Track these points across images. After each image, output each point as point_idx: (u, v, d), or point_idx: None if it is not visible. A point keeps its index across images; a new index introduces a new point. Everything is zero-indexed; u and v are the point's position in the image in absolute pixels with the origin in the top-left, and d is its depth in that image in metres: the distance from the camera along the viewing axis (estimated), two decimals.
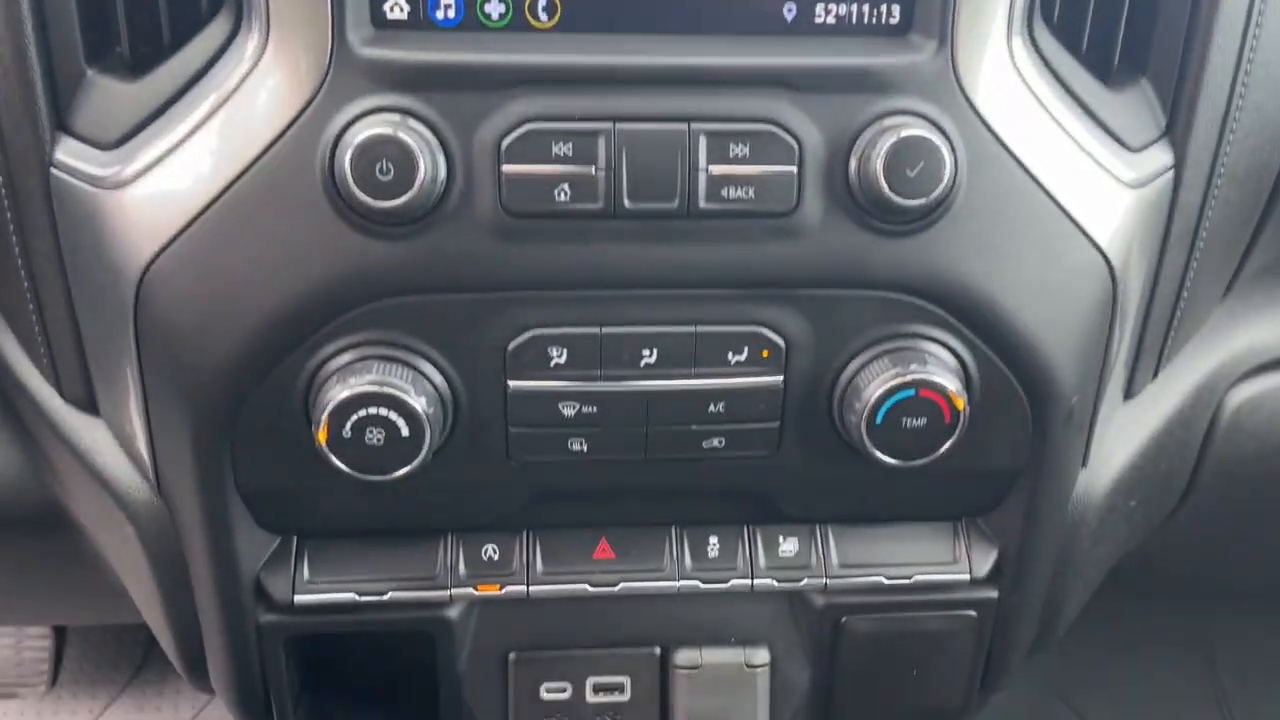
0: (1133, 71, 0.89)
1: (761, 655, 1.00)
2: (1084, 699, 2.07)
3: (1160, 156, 0.89)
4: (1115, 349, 0.91)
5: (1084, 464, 0.97)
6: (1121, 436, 0.99)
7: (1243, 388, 1.04)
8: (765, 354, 0.84)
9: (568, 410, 0.84)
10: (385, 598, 0.93)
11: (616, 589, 0.96)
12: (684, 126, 0.77)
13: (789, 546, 0.97)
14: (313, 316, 0.79)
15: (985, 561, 0.99)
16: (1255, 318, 1.04)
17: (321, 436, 0.79)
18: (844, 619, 0.99)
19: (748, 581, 0.97)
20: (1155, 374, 0.99)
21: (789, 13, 0.79)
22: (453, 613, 0.96)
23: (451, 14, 0.77)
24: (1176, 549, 1.19)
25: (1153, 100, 0.89)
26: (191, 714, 2.00)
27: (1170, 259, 0.92)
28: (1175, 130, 0.88)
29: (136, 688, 2.03)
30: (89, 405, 0.91)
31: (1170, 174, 0.89)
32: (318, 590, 0.93)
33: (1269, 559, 1.33)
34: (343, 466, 0.80)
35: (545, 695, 1.00)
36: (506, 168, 0.76)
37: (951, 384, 0.82)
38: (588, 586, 0.96)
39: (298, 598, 0.93)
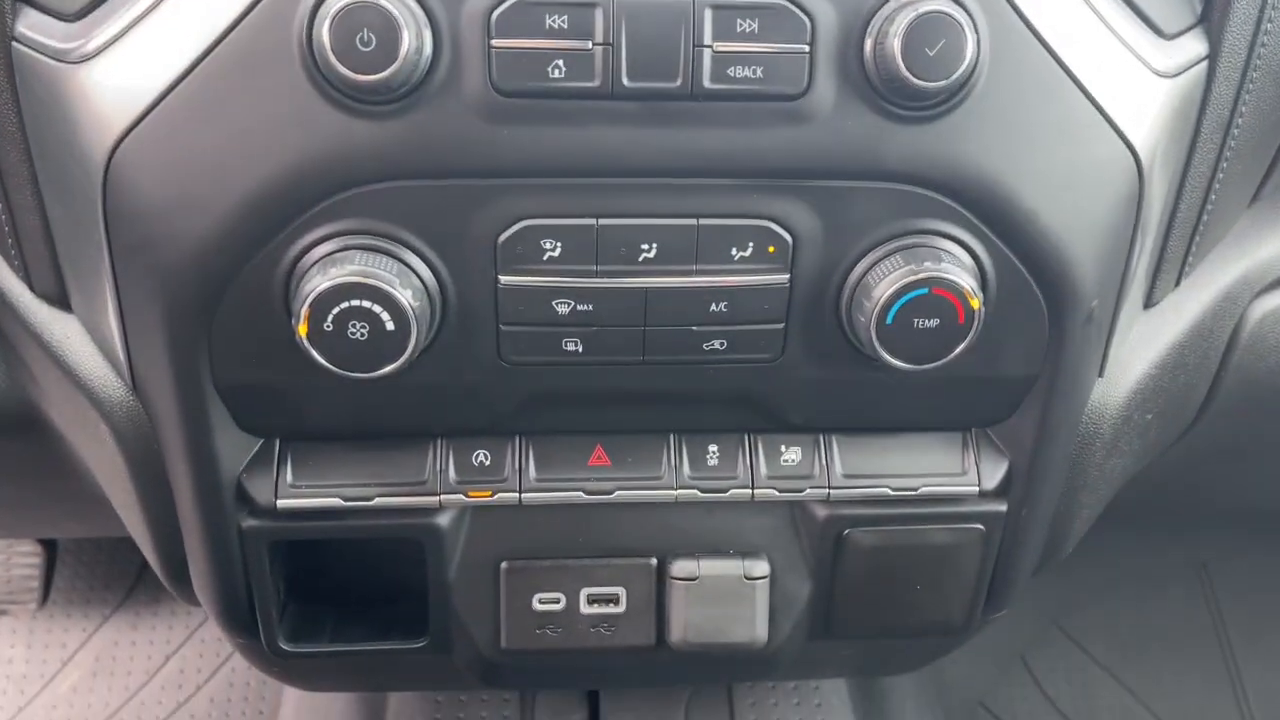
0: None
1: (761, 567, 0.97)
2: (1079, 625, 2.07)
3: (1194, 46, 0.84)
4: (1138, 252, 0.87)
5: (1100, 373, 0.93)
6: (1140, 346, 0.95)
7: (1266, 299, 1.00)
8: (771, 250, 0.80)
9: (562, 308, 0.80)
10: (372, 503, 0.90)
11: (612, 497, 0.92)
12: None
13: (791, 455, 0.94)
14: (290, 201, 0.75)
15: (995, 474, 0.95)
16: None
17: (302, 330, 0.75)
18: (847, 531, 0.96)
19: (748, 491, 0.93)
20: (1177, 282, 0.95)
21: None
22: (442, 520, 0.93)
23: None
24: (1189, 467, 1.16)
25: None
26: (186, 634, 2.00)
27: (1199, 158, 0.88)
28: (1211, 17, 0.83)
29: (130, 607, 2.02)
30: (61, 300, 0.88)
31: (1204, 65, 0.84)
32: (301, 495, 0.90)
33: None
34: (324, 363, 0.77)
35: (538, 606, 0.97)
36: (496, 41, 0.71)
37: (967, 283, 0.78)
38: (582, 494, 0.92)
39: (280, 502, 0.90)
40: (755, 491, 0.94)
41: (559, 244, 0.78)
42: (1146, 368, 0.96)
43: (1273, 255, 0.99)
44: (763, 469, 0.94)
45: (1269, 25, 0.84)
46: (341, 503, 0.90)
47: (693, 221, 0.79)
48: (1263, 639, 2.06)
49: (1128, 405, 0.96)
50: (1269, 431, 1.14)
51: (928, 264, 0.78)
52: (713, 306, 0.81)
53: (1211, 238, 0.95)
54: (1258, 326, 1.00)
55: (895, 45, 0.71)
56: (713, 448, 0.94)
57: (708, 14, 0.72)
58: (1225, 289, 0.97)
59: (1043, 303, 0.84)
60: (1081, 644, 2.05)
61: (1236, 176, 0.91)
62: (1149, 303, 0.95)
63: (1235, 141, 0.88)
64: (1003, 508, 0.96)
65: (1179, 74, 0.83)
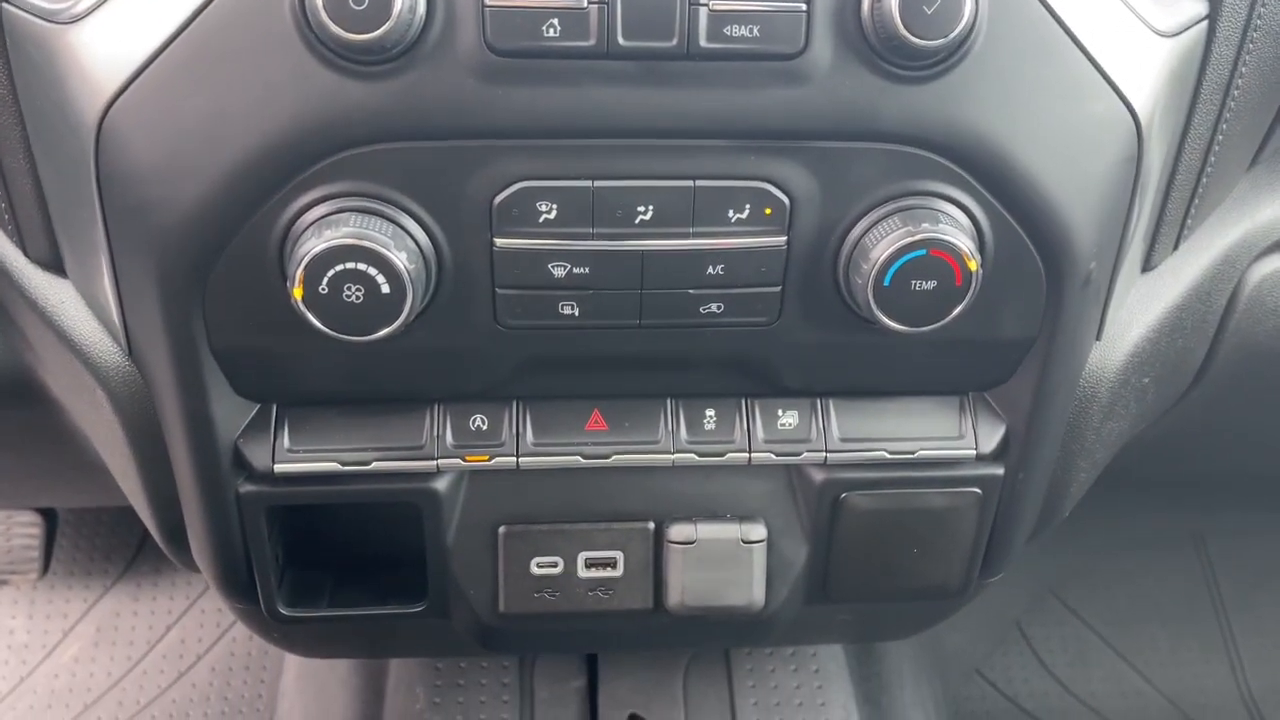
0: None
1: (758, 531, 0.97)
2: (1076, 594, 2.08)
3: (1194, 5, 0.83)
4: (1136, 214, 0.86)
5: (1098, 337, 0.93)
6: (1138, 309, 0.95)
7: (1265, 262, 1.00)
8: (768, 212, 0.79)
9: (558, 271, 0.80)
10: (369, 468, 0.90)
11: (609, 461, 0.93)
12: None
13: (788, 419, 0.94)
14: (284, 163, 0.74)
15: (992, 437, 0.95)
16: None
17: (297, 293, 0.75)
18: (844, 495, 0.96)
19: (745, 454, 0.93)
20: (1176, 245, 0.95)
21: None
22: (440, 484, 0.93)
23: None
24: (1186, 431, 1.16)
25: None
26: (187, 603, 2.01)
27: (1199, 119, 0.87)
28: None
29: (131, 577, 2.03)
30: (55, 265, 0.87)
31: (1204, 24, 0.83)
32: (299, 459, 0.90)
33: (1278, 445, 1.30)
34: (320, 326, 0.76)
35: (536, 570, 0.98)
36: (490, 0, 0.70)
37: (964, 244, 0.78)
38: (579, 458, 0.92)
39: (278, 466, 0.90)
40: (752, 455, 0.94)
41: (555, 206, 0.78)
42: (1144, 331, 0.96)
43: (1272, 218, 0.99)
44: (760, 433, 0.94)
45: None
46: (339, 467, 0.90)
47: (689, 183, 0.78)
48: (1258, 607, 2.07)
49: (1125, 369, 0.96)
50: (1266, 395, 1.14)
51: (925, 225, 0.77)
52: (709, 269, 0.81)
53: (1211, 200, 0.94)
54: (1256, 290, 1.00)
55: (893, 3, 0.71)
56: (710, 412, 0.94)
57: None
58: (1224, 252, 0.97)
59: (1040, 265, 0.83)
60: (1078, 612, 2.07)
61: (1236, 138, 0.91)
62: (1147, 266, 0.95)
63: (1235, 103, 0.88)
64: (1000, 471, 0.96)
65: (1179, 33, 0.82)
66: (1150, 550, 2.10)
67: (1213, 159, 0.90)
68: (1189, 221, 0.94)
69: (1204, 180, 0.91)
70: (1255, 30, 0.85)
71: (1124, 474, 1.15)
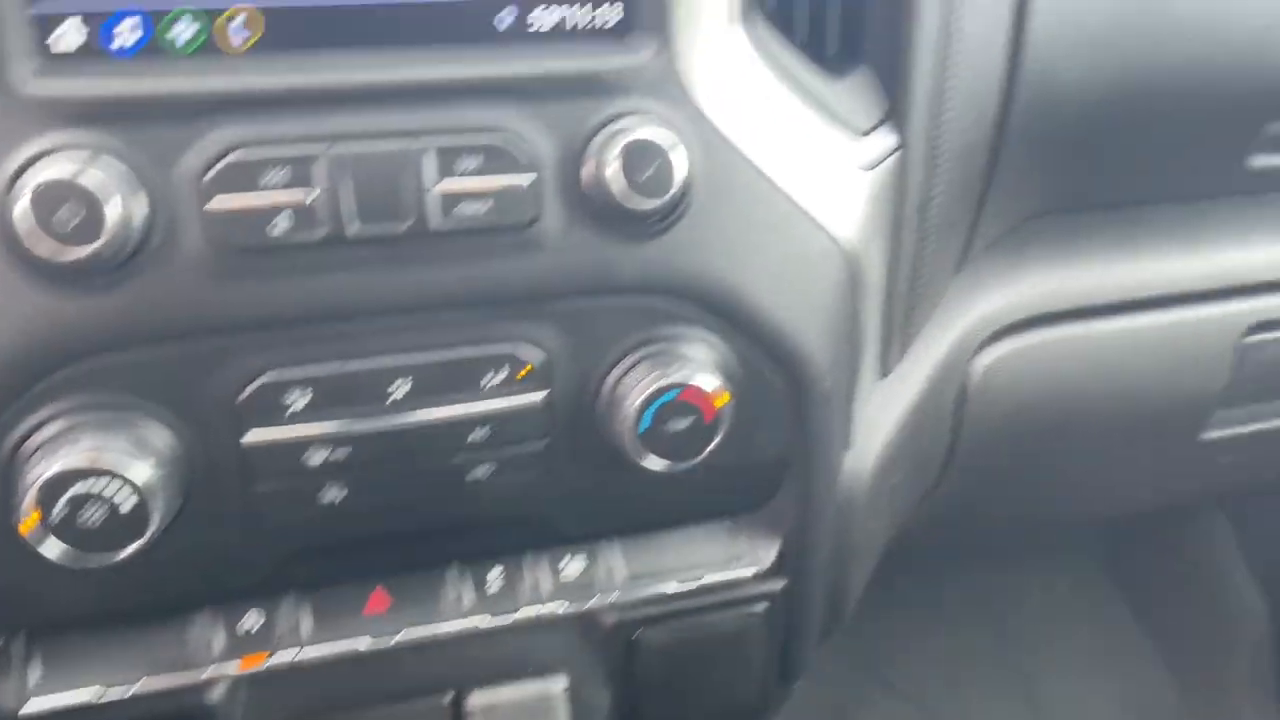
0: (853, 58, 0.92)
1: (559, 683, 0.96)
2: (892, 670, 2.16)
3: (887, 139, 0.92)
4: (863, 329, 0.94)
5: (848, 446, 0.99)
6: (880, 414, 1.02)
7: (984, 354, 1.10)
8: (525, 372, 0.81)
9: (314, 459, 0.78)
10: (135, 688, 0.84)
11: (396, 639, 0.90)
12: (408, 143, 0.73)
13: (574, 567, 0.94)
14: (2, 389, 0.70)
15: (769, 553, 0.99)
16: (988, 288, 1.10)
17: (26, 526, 0.70)
18: (638, 633, 0.97)
19: (535, 609, 0.93)
20: (904, 352, 1.03)
21: (502, 22, 0.76)
22: (214, 695, 0.87)
23: (130, 42, 0.70)
24: (953, 510, 1.24)
25: (875, 84, 0.92)
26: None
27: (905, 238, 0.96)
28: (897, 112, 0.92)
29: None
30: None
31: (898, 155, 0.92)
32: (52, 691, 0.82)
33: (1035, 512, 1.41)
34: (56, 555, 0.71)
35: None
36: (213, 202, 0.70)
37: (711, 382, 0.82)
38: (367, 639, 0.89)
39: (29, 705, 0.82)
40: (542, 609, 0.93)
41: (304, 394, 0.76)
42: (889, 433, 1.03)
43: (983, 314, 1.09)
44: (548, 585, 0.94)
45: (948, 115, 0.93)
46: (99, 693, 0.83)
47: (441, 355, 0.79)
48: (1054, 653, 2.21)
49: (877, 471, 1.02)
50: (1011, 474, 1.24)
51: (673, 368, 0.81)
52: (472, 436, 0.81)
53: (927, 306, 1.03)
54: (981, 380, 1.09)
55: (612, 171, 0.75)
56: (495, 571, 0.93)
57: (430, 156, 0.73)
58: (947, 351, 1.06)
59: (784, 388, 0.89)
60: (895, 686, 2.14)
61: (941, 249, 1.00)
62: (883, 372, 1.02)
63: (934, 218, 0.97)
64: (781, 585, 1.00)
65: (875, 166, 0.91)
66: (957, 618, 2.21)
67: (923, 269, 0.99)
68: (910, 329, 1.02)
69: (918, 289, 1.00)
70: (940, 155, 0.95)
71: (905, 556, 1.22)
